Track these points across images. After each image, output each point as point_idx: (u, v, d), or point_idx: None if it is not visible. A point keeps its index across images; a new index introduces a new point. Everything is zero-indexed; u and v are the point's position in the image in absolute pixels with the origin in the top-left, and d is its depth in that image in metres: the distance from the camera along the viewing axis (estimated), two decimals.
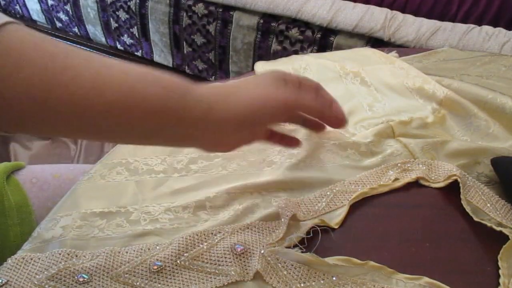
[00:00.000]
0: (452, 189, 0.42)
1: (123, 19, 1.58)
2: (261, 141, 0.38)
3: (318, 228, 0.36)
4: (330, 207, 0.40)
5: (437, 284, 0.34)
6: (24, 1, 1.83)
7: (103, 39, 1.73)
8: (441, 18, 1.12)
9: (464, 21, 1.11)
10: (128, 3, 1.51)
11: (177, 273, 0.34)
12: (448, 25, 1.08)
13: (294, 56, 0.66)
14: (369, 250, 0.36)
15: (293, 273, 0.34)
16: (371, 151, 0.47)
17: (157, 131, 0.29)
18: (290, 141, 0.41)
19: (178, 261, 0.34)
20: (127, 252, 0.35)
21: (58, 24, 1.82)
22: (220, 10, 1.34)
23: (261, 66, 0.62)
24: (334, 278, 0.33)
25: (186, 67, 1.56)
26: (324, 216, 0.39)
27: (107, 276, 0.33)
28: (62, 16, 1.77)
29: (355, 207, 0.41)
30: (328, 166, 0.45)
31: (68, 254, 0.35)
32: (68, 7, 1.70)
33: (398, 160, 0.46)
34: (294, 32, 1.25)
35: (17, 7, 1.89)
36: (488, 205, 0.41)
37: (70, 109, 0.24)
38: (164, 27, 1.48)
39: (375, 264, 0.34)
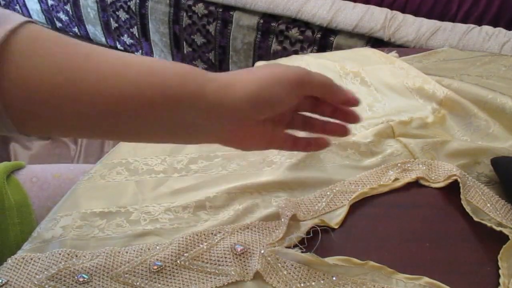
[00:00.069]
0: (452, 189, 0.42)
1: (123, 19, 1.58)
2: (282, 147, 0.36)
3: (318, 228, 0.36)
4: (330, 207, 0.40)
5: (437, 284, 0.34)
6: (24, 1, 1.83)
7: (103, 39, 1.73)
8: (441, 18, 1.12)
9: (464, 21, 1.11)
10: (128, 3, 1.51)
11: (177, 273, 0.34)
12: (448, 25, 1.08)
13: (294, 56, 0.66)
14: (369, 250, 0.36)
15: (293, 273, 0.34)
16: (371, 151, 0.47)
17: (176, 120, 0.28)
18: (318, 143, 0.37)
19: (178, 261, 0.34)
20: (127, 252, 0.35)
21: (58, 24, 1.82)
22: (220, 10, 1.34)
23: None
24: (334, 278, 0.33)
25: None
26: (324, 216, 0.39)
27: (107, 276, 0.33)
28: (62, 16, 1.77)
29: (355, 207, 0.41)
30: (328, 166, 0.45)
31: (68, 254, 0.35)
32: (68, 7, 1.70)
33: (398, 160, 0.46)
34: (294, 32, 1.25)
35: (17, 7, 1.89)
36: (488, 205, 0.41)
37: (94, 97, 0.24)
38: (164, 27, 1.48)
39: (375, 264, 0.34)
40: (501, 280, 0.34)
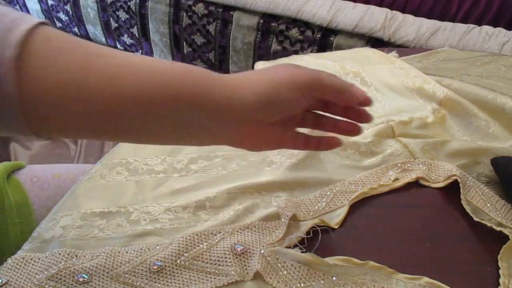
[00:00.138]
0: (452, 189, 0.42)
1: (123, 19, 1.58)
2: (292, 147, 0.36)
3: (318, 228, 0.36)
4: (330, 207, 0.40)
5: (437, 284, 0.34)
6: (24, 1, 1.83)
7: (103, 39, 1.73)
8: (441, 18, 1.12)
9: (464, 21, 1.11)
10: (128, 3, 1.51)
11: (177, 273, 0.34)
12: (448, 25, 1.08)
13: (294, 56, 0.66)
14: (369, 250, 0.36)
15: (293, 273, 0.34)
16: (371, 151, 0.47)
17: (181, 121, 0.28)
18: (329, 142, 0.37)
19: (178, 261, 0.34)
20: (127, 252, 0.35)
21: (58, 24, 1.82)
22: (220, 10, 1.34)
23: (261, 66, 0.62)
24: (334, 278, 0.33)
25: None
26: (324, 216, 0.39)
27: (107, 276, 0.33)
28: (62, 16, 1.77)
29: (355, 207, 0.41)
30: (328, 166, 0.45)
31: (68, 254, 0.35)
32: (68, 7, 1.70)
33: (398, 160, 0.46)
34: (294, 32, 1.25)
35: (17, 7, 1.89)
36: (488, 205, 0.41)
37: (103, 95, 0.25)
38: (164, 27, 1.48)
39: (375, 264, 0.34)
40: (501, 280, 0.34)
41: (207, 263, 0.35)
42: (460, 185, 0.41)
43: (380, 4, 1.19)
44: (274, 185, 0.42)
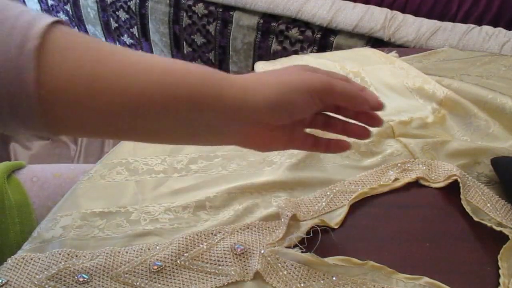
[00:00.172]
0: (452, 189, 0.42)
1: (123, 19, 1.58)
2: (301, 148, 0.36)
3: (318, 228, 0.36)
4: (330, 207, 0.40)
5: (437, 284, 0.34)
6: (24, 1, 1.83)
7: (103, 39, 1.73)
8: (441, 18, 1.12)
9: (464, 21, 1.11)
10: (128, 3, 1.51)
11: (177, 273, 0.34)
12: (448, 25, 1.07)
13: (294, 56, 0.66)
14: (369, 250, 0.36)
15: (293, 273, 0.34)
16: (371, 151, 0.47)
17: (194, 121, 0.28)
18: (337, 145, 0.36)
19: (178, 261, 0.34)
20: (127, 252, 0.35)
21: None
22: (220, 10, 1.34)
23: (261, 66, 0.62)
24: (334, 278, 0.33)
25: None
26: (324, 216, 0.39)
27: (107, 276, 0.33)
28: (62, 16, 1.77)
29: (355, 207, 0.41)
30: (328, 166, 0.45)
31: (68, 254, 0.35)
32: (68, 7, 1.70)
33: (398, 160, 0.46)
34: (294, 32, 1.25)
35: None
36: (488, 205, 0.41)
37: (115, 91, 0.25)
38: (164, 27, 1.48)
39: (375, 264, 0.34)
40: (501, 280, 0.34)
41: (207, 263, 0.35)
42: (460, 185, 0.41)
43: (380, 4, 1.19)
44: (274, 185, 0.42)
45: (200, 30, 1.42)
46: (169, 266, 0.34)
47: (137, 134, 0.29)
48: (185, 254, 0.35)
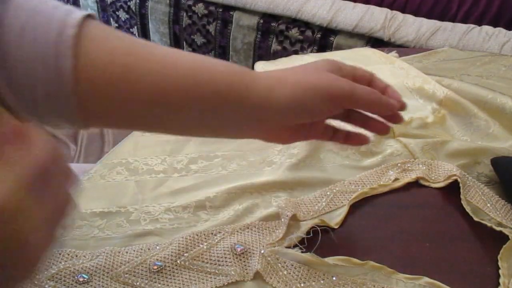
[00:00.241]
0: (452, 189, 0.42)
1: (123, 19, 1.58)
2: (320, 139, 0.36)
3: (318, 228, 0.36)
4: (330, 207, 0.40)
5: (437, 284, 0.34)
6: None
7: None
8: (441, 18, 1.12)
9: (464, 21, 1.11)
10: (128, 3, 1.51)
11: (177, 273, 0.34)
12: (448, 25, 1.08)
13: (294, 56, 0.67)
14: (369, 250, 0.36)
15: (293, 273, 0.34)
16: (371, 151, 0.47)
17: (219, 115, 0.29)
18: (356, 139, 0.37)
19: (178, 261, 0.34)
20: (127, 252, 0.35)
21: None
22: (220, 10, 1.34)
23: (261, 66, 0.62)
24: (334, 278, 0.33)
25: None
26: (324, 216, 0.39)
27: (107, 276, 0.33)
28: None
29: (355, 207, 0.41)
30: (328, 166, 0.45)
31: (68, 254, 0.35)
32: None
33: (398, 160, 0.46)
34: (294, 32, 1.25)
35: None
36: (488, 205, 0.41)
37: (146, 83, 0.25)
38: (164, 27, 1.48)
39: (375, 264, 0.34)
40: (501, 280, 0.34)
41: (207, 263, 0.35)
42: (460, 185, 0.41)
43: (380, 4, 1.19)
44: (274, 185, 0.42)
45: (200, 30, 1.42)
46: (169, 266, 0.34)
47: (163, 126, 0.30)
48: (185, 254, 0.35)
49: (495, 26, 1.06)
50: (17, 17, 0.23)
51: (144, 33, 1.57)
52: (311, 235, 0.36)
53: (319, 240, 0.35)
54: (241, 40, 1.36)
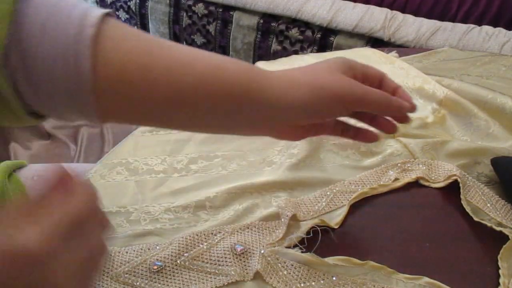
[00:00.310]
0: (452, 189, 0.42)
1: (123, 19, 1.58)
2: (330, 135, 0.37)
3: (318, 228, 0.36)
4: (330, 207, 0.40)
5: (437, 284, 0.34)
6: None
7: None
8: (441, 18, 1.12)
9: (464, 21, 1.11)
10: (128, 3, 1.51)
11: (177, 273, 0.34)
12: (448, 25, 1.08)
13: (294, 56, 0.66)
14: (369, 250, 0.36)
15: (293, 273, 0.34)
16: (371, 151, 0.47)
17: (235, 114, 0.29)
18: (366, 135, 0.37)
19: (178, 261, 0.34)
20: (127, 252, 0.35)
21: None
22: (220, 10, 1.34)
23: (261, 66, 0.62)
24: (334, 278, 0.33)
25: None
26: (324, 216, 0.39)
27: (107, 276, 0.33)
28: None
29: (355, 207, 0.41)
30: (328, 166, 0.45)
31: None
32: None
33: (398, 160, 0.46)
34: (294, 32, 1.25)
35: None
36: (488, 205, 0.41)
37: (164, 83, 0.26)
38: (164, 27, 1.48)
39: (375, 264, 0.34)
40: (501, 280, 0.34)
41: (207, 263, 0.35)
42: (460, 185, 0.41)
43: (380, 4, 1.19)
44: (274, 185, 0.42)
45: (200, 30, 1.42)
46: (169, 266, 0.34)
47: (178, 123, 0.31)
48: (185, 254, 0.35)
49: (495, 26, 1.06)
50: (38, 14, 0.23)
51: None
52: (311, 235, 0.36)
53: (319, 240, 0.35)
54: (241, 40, 1.36)
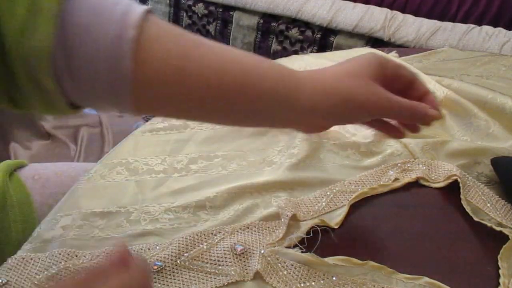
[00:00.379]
0: (452, 189, 0.42)
1: None
2: (359, 124, 0.38)
3: (318, 228, 0.36)
4: (330, 207, 0.40)
5: (437, 284, 0.34)
6: None
7: None
8: (441, 18, 1.12)
9: (464, 21, 1.11)
10: None
11: (177, 273, 0.34)
12: (448, 25, 1.08)
13: (294, 56, 0.66)
14: (369, 250, 0.36)
15: (293, 273, 0.34)
16: (371, 151, 0.47)
17: (267, 112, 0.31)
18: (389, 130, 0.38)
19: (178, 261, 0.34)
20: None
21: None
22: (220, 10, 1.34)
23: None
24: (334, 278, 0.33)
25: None
26: (324, 216, 0.39)
27: None
28: None
29: (355, 207, 0.41)
30: (328, 166, 0.45)
31: (68, 254, 0.35)
32: None
33: (398, 160, 0.46)
34: (294, 32, 1.25)
35: None
36: (488, 205, 0.41)
37: (201, 87, 0.27)
38: None
39: (375, 264, 0.34)
40: (501, 280, 0.34)
41: (207, 263, 0.35)
42: (460, 185, 0.41)
43: (380, 4, 1.19)
44: (274, 185, 0.42)
45: (200, 30, 1.42)
46: (169, 266, 0.34)
47: (210, 119, 0.33)
48: (185, 254, 0.35)
49: (495, 26, 1.06)
50: (82, 13, 0.24)
51: None
52: (311, 235, 0.36)
53: (319, 240, 0.36)
54: (241, 40, 1.36)
